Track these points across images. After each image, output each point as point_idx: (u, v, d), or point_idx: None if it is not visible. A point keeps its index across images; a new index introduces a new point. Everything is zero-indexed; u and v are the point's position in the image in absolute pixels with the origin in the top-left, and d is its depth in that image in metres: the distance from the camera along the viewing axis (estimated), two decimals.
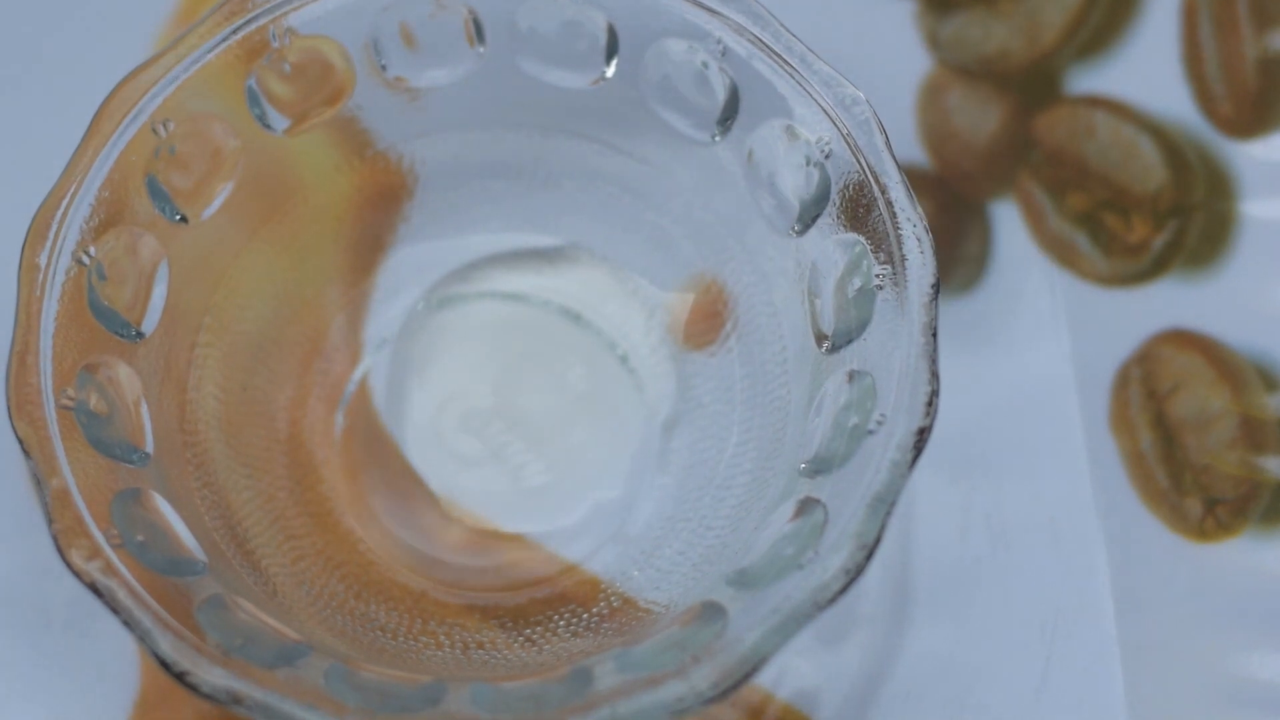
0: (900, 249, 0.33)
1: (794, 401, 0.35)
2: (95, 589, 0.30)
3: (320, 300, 0.38)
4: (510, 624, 0.36)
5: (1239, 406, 0.39)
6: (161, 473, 0.33)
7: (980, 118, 0.42)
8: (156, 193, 0.34)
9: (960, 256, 0.41)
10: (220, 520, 0.35)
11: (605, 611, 0.36)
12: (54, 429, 0.31)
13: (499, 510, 0.37)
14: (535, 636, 0.35)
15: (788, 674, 0.37)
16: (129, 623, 0.30)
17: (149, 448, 0.33)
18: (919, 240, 0.33)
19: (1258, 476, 0.39)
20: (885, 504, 0.31)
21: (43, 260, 0.32)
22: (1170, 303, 0.40)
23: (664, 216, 0.37)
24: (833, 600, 0.31)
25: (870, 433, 0.32)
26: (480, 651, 0.35)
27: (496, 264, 0.39)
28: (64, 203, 0.33)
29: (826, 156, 0.34)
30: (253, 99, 0.35)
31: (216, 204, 0.35)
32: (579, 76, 0.36)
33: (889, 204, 0.33)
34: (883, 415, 0.32)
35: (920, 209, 0.33)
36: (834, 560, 0.31)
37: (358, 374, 0.38)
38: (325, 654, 0.32)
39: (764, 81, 0.34)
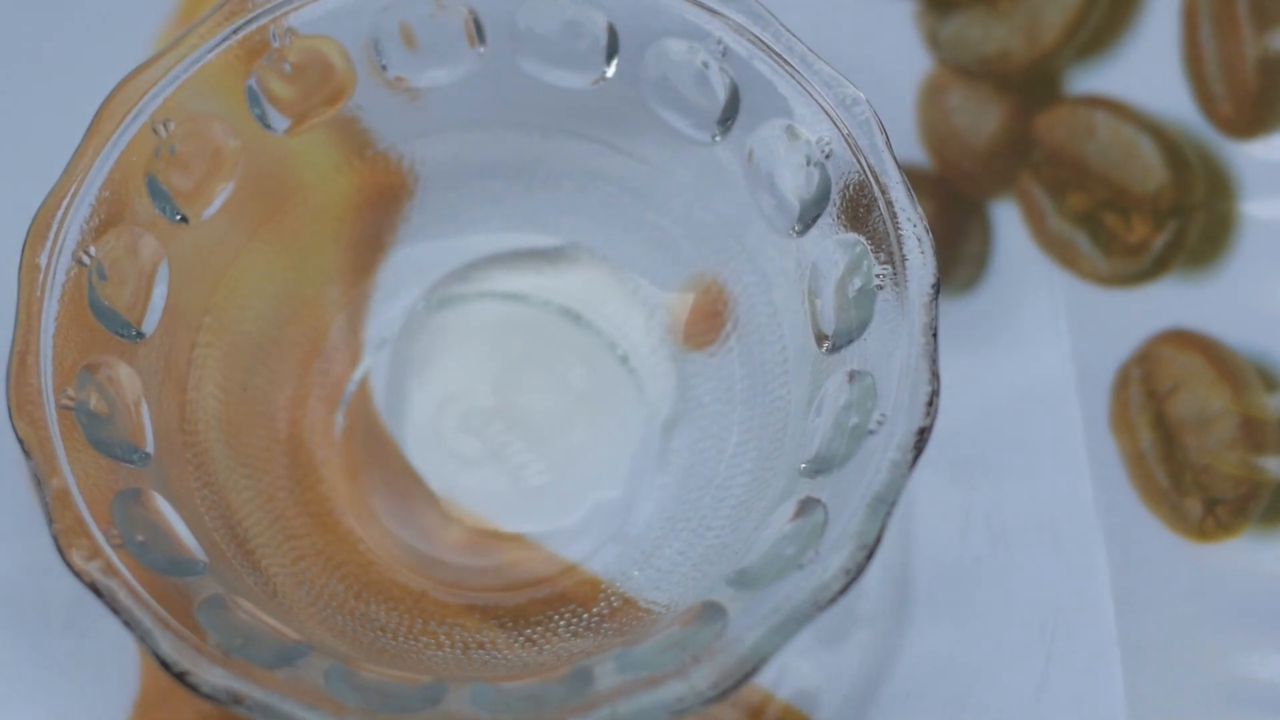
0: (900, 249, 0.33)
1: (794, 401, 0.35)
2: (95, 589, 0.30)
3: (320, 300, 0.38)
4: (510, 624, 0.36)
5: (1239, 406, 0.39)
6: (161, 473, 0.33)
7: (980, 118, 0.42)
8: (157, 193, 0.34)
9: (960, 256, 0.41)
10: (220, 520, 0.35)
11: (605, 611, 0.36)
12: (54, 429, 0.31)
13: (499, 510, 0.37)
14: (535, 636, 0.35)
15: (788, 674, 0.37)
16: (129, 623, 0.30)
17: (149, 448, 0.33)
18: (919, 240, 0.33)
19: (1258, 476, 0.39)
20: (885, 504, 0.31)
21: (43, 260, 0.32)
22: (1170, 303, 0.40)
23: (664, 216, 0.37)
24: (833, 600, 0.31)
25: (870, 433, 0.32)
26: (480, 651, 0.35)
27: (496, 264, 0.39)
28: (64, 203, 0.33)
29: (827, 156, 0.34)
30: (253, 99, 0.35)
31: (217, 204, 0.35)
32: (579, 76, 0.36)
33: (889, 204, 0.33)
34: (883, 415, 0.32)
35: (920, 209, 0.33)
36: (834, 560, 0.31)
37: (358, 374, 0.38)
38: (325, 654, 0.32)
39: (764, 81, 0.34)
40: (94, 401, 0.32)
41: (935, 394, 0.32)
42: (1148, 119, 0.42)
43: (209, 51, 0.34)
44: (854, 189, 0.33)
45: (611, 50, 0.35)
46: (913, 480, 0.33)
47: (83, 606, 0.37)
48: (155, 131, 0.34)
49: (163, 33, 0.42)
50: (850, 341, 0.33)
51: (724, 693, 0.30)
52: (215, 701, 0.30)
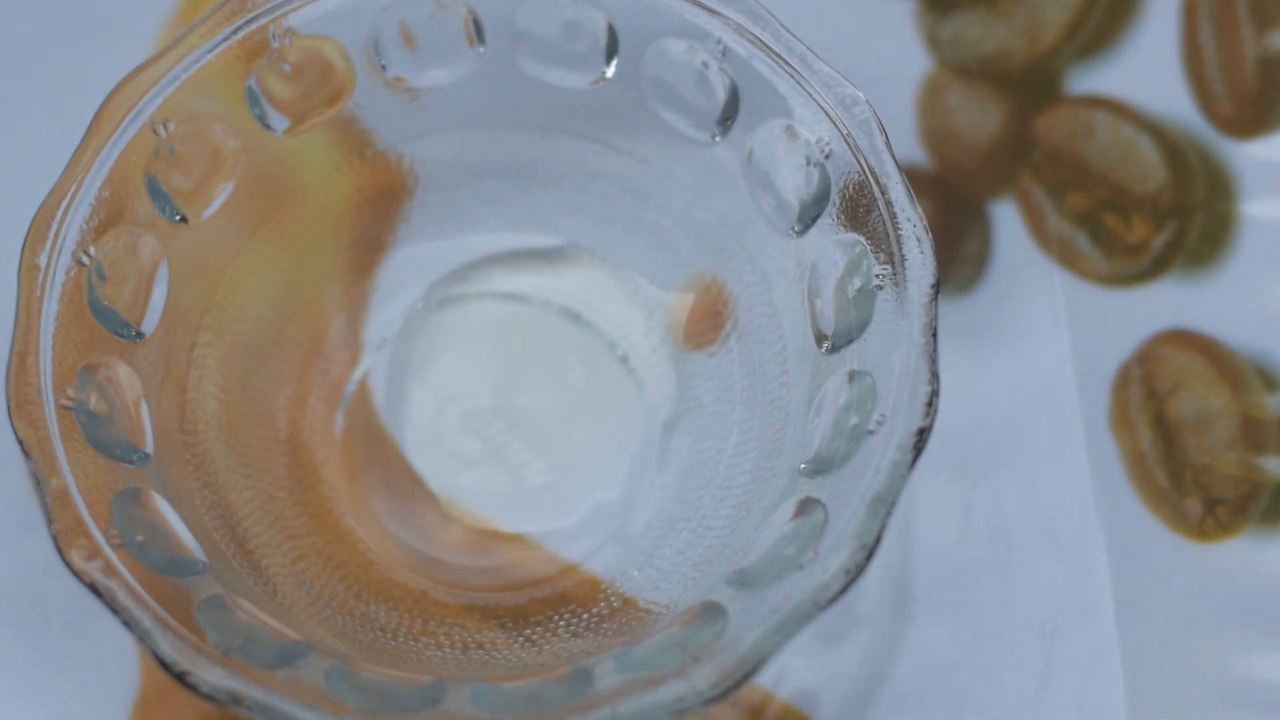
0: (900, 249, 0.33)
1: (794, 401, 0.35)
2: (95, 589, 0.30)
3: (320, 300, 0.38)
4: (510, 624, 0.36)
5: (1239, 406, 0.39)
6: (161, 473, 0.33)
7: (980, 118, 0.42)
8: (156, 193, 0.34)
9: (960, 256, 0.41)
10: (220, 520, 0.35)
11: (605, 611, 0.36)
12: (54, 429, 0.31)
13: (499, 510, 0.37)
14: (535, 636, 0.35)
15: (788, 674, 0.37)
16: (129, 623, 0.30)
17: (149, 448, 0.33)
18: (919, 240, 0.33)
19: (1258, 476, 0.39)
20: (885, 504, 0.31)
21: (43, 260, 0.32)
22: (1170, 303, 0.40)
23: (664, 216, 0.37)
24: (833, 600, 0.31)
25: (870, 433, 0.32)
26: (480, 651, 0.35)
27: (496, 264, 0.39)
28: (64, 203, 0.33)
29: (826, 156, 0.34)
30: (253, 99, 0.35)
31: (216, 204, 0.35)
32: (579, 76, 0.36)
33: (889, 204, 0.33)
34: (883, 415, 0.32)
35: (920, 209, 0.33)
36: (834, 560, 0.31)
37: (358, 374, 0.38)
38: (325, 654, 0.32)
39: (764, 81, 0.34)
40: (94, 401, 0.32)
41: (935, 394, 0.32)
42: (1148, 119, 0.42)
43: (209, 51, 0.34)
44: (853, 189, 0.33)
45: (611, 50, 0.35)
46: (913, 480, 0.33)
47: (82, 606, 0.37)
48: (155, 132, 0.34)
49: (163, 33, 0.42)
50: (850, 341, 0.33)
51: (724, 693, 0.30)
52: (215, 701, 0.30)
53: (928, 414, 0.31)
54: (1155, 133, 0.42)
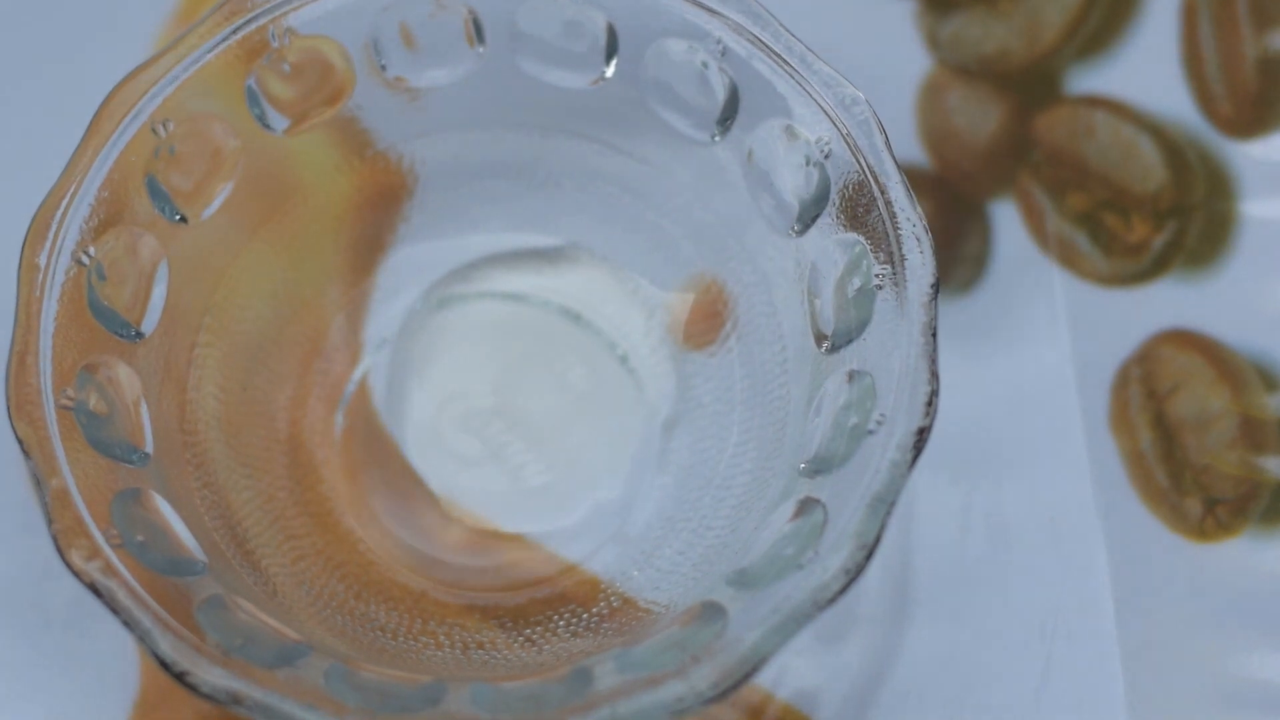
0: (900, 249, 0.33)
1: (794, 401, 0.35)
2: (95, 589, 0.30)
3: (320, 300, 0.38)
4: (510, 624, 0.36)
5: (1239, 406, 0.39)
6: (161, 473, 0.33)
7: (980, 118, 0.42)
8: (156, 193, 0.34)
9: (960, 256, 0.41)
10: (220, 520, 0.35)
11: (605, 611, 0.36)
12: (54, 429, 0.31)
13: (499, 510, 0.37)
14: (535, 636, 0.35)
15: (788, 674, 0.37)
16: (129, 623, 0.30)
17: (149, 448, 0.33)
18: (918, 240, 0.33)
19: (1258, 476, 0.39)
20: (885, 504, 0.31)
21: (42, 260, 0.32)
22: (1170, 303, 0.40)
23: (664, 216, 0.37)
24: (833, 600, 0.31)
25: (870, 433, 0.32)
26: (480, 651, 0.35)
27: (496, 264, 0.39)
28: (64, 203, 0.33)
29: (826, 156, 0.34)
30: (252, 99, 0.35)
31: (216, 204, 0.35)
32: (579, 76, 0.36)
33: (888, 204, 0.33)
34: (882, 415, 0.32)
35: (920, 209, 0.33)
36: (834, 560, 0.31)
37: (357, 374, 0.38)
38: (325, 654, 0.32)
39: (764, 81, 0.34)
40: (93, 401, 0.32)
41: (935, 394, 0.32)
42: (1148, 119, 0.42)
43: (208, 51, 0.34)
44: (853, 189, 0.33)
45: (611, 50, 0.35)
46: (912, 480, 0.33)
47: (82, 606, 0.37)
48: (155, 131, 0.34)
49: (163, 33, 0.42)
50: (850, 341, 0.33)
51: (724, 693, 0.30)
52: (215, 701, 0.30)
53: (927, 414, 0.31)
54: (1155, 133, 0.42)
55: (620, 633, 0.35)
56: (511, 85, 0.36)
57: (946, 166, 0.42)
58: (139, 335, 0.34)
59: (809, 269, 0.34)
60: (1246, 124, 0.42)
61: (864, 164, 0.33)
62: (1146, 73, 0.42)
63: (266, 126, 0.35)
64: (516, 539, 0.37)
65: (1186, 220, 0.41)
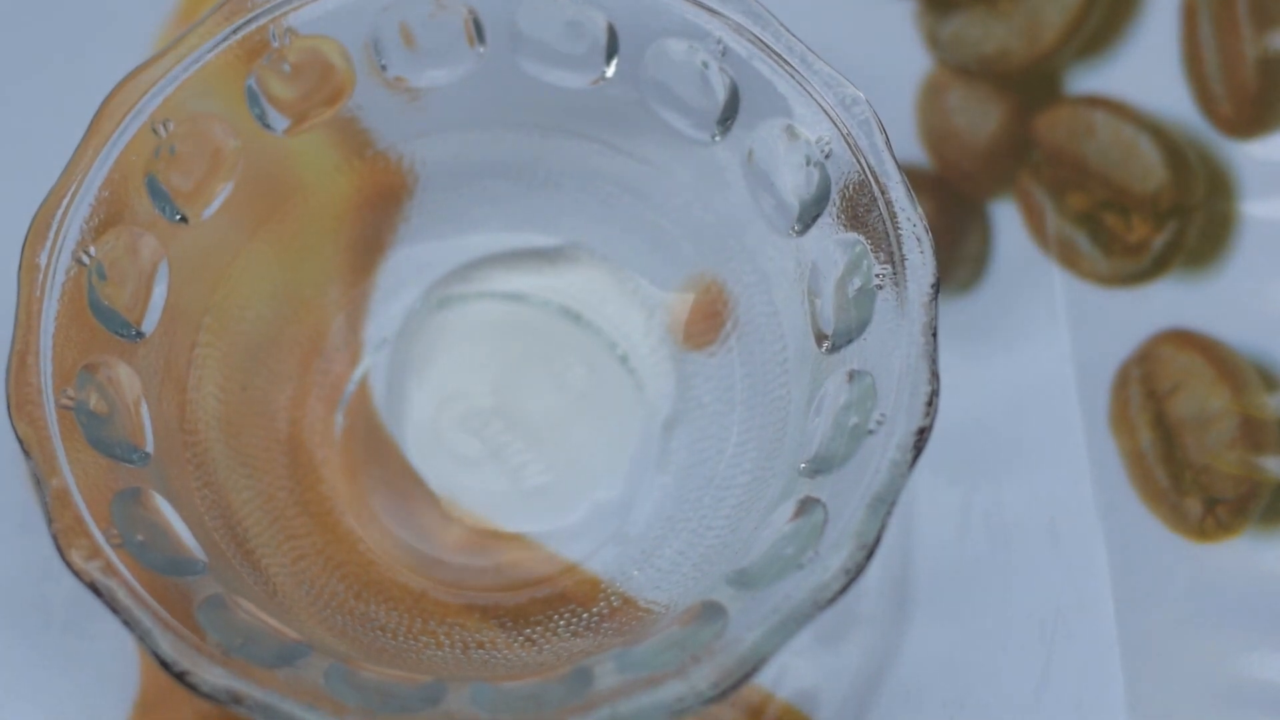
0: (900, 249, 0.33)
1: (794, 401, 0.35)
2: (95, 589, 0.30)
3: (320, 300, 0.38)
4: (510, 624, 0.36)
5: (1239, 406, 0.39)
6: (161, 472, 0.33)
7: (980, 118, 0.42)
8: (156, 193, 0.34)
9: (960, 256, 0.41)
10: (220, 520, 0.35)
11: (605, 611, 0.36)
12: (54, 429, 0.31)
13: (499, 510, 0.37)
14: (535, 636, 0.35)
15: (788, 674, 0.37)
16: (129, 622, 0.30)
17: (149, 447, 0.33)
18: (919, 240, 0.33)
19: (1258, 476, 0.39)
20: (885, 504, 0.31)
21: (43, 260, 0.32)
22: (1170, 303, 0.40)
23: (664, 216, 0.37)
24: (833, 600, 0.31)
25: (870, 432, 0.32)
26: (480, 651, 0.35)
27: (496, 264, 0.39)
28: (64, 202, 0.33)
29: (826, 156, 0.34)
30: (252, 99, 0.35)
31: (216, 204, 0.35)
32: (579, 76, 0.36)
33: (889, 204, 0.33)
34: (883, 415, 0.32)
35: (920, 209, 0.33)
36: (834, 560, 0.31)
37: (357, 374, 0.38)
38: (325, 654, 0.32)
39: (764, 81, 0.34)
40: (94, 401, 0.32)
41: (935, 394, 0.32)
42: (1148, 119, 0.42)
43: (209, 51, 0.34)
44: (853, 189, 0.33)
45: (611, 50, 0.35)
46: (912, 480, 0.33)
47: (83, 606, 0.37)
48: (155, 131, 0.34)
49: (163, 33, 0.42)
50: (850, 341, 0.33)
51: (724, 693, 0.30)
52: (215, 701, 0.30)
53: (928, 414, 0.31)
54: (1155, 133, 0.42)
55: (620, 632, 0.35)
56: (511, 85, 0.36)
57: (946, 166, 0.42)
58: (139, 335, 0.34)
59: (809, 269, 0.34)
60: (1246, 124, 0.42)
61: (864, 164, 0.33)
62: (1146, 73, 0.42)
63: (267, 126, 0.35)
64: (516, 539, 0.37)
65: (1186, 220, 0.41)
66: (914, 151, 0.42)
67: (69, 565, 0.31)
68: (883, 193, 0.33)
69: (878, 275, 0.33)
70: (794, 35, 0.34)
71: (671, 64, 0.35)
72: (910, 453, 0.31)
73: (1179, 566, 0.38)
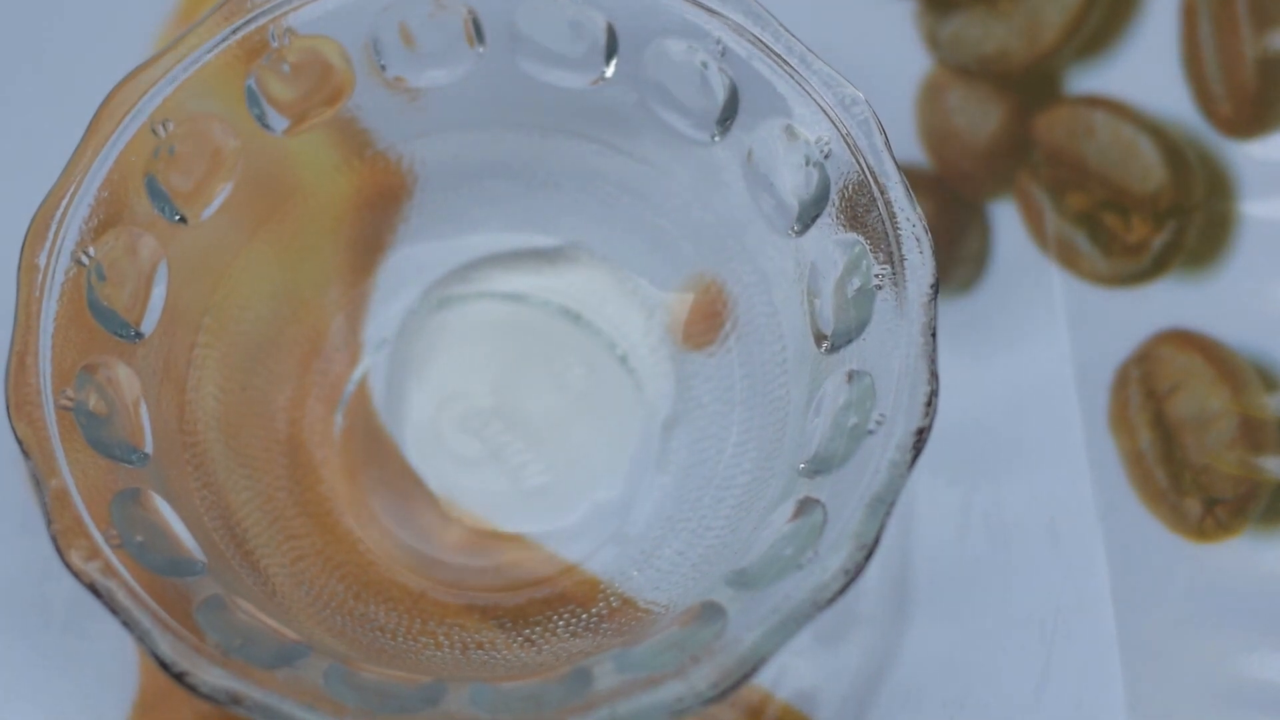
0: (899, 249, 0.33)
1: (793, 401, 0.35)
2: (94, 589, 0.30)
3: (319, 300, 0.38)
4: (510, 624, 0.36)
5: (1238, 406, 0.39)
6: (161, 473, 0.33)
7: (980, 118, 0.42)
8: (156, 193, 0.34)
9: (959, 256, 0.41)
10: (219, 520, 0.35)
11: (605, 612, 0.36)
12: (53, 429, 0.31)
13: (498, 510, 0.37)
14: (535, 637, 0.35)
15: (787, 674, 0.37)
16: (128, 623, 0.30)
17: (148, 448, 0.33)
18: (918, 240, 0.33)
19: (1257, 476, 0.39)
20: (884, 504, 0.31)
21: (42, 260, 0.32)
22: (1170, 303, 0.40)
23: (663, 217, 0.37)
24: (832, 600, 0.31)
25: (869, 433, 0.32)
26: (480, 652, 0.35)
27: (496, 264, 0.39)
28: (63, 203, 0.33)
29: (826, 156, 0.34)
30: (252, 99, 0.35)
31: (216, 204, 0.35)
32: (578, 77, 0.36)
33: (888, 204, 0.33)
34: (882, 415, 0.32)
35: (919, 209, 0.33)
36: (833, 560, 0.31)
37: (357, 374, 0.38)
38: (324, 654, 0.32)
39: (763, 81, 0.34)
40: (93, 402, 0.32)
41: (934, 394, 0.32)
42: (1147, 119, 0.42)
43: (208, 52, 0.34)
44: (853, 189, 0.33)
45: (610, 50, 0.35)
46: (912, 480, 0.33)
47: (82, 607, 0.37)
48: (154, 132, 0.34)
49: (162, 33, 0.42)
50: (849, 341, 0.33)
51: (723, 693, 0.30)
52: (214, 702, 0.30)
53: (927, 414, 0.31)
54: (1155, 133, 0.42)
55: (620, 633, 0.35)
56: (511, 85, 0.36)
57: (946, 166, 0.42)
58: (138, 335, 0.34)
59: (808, 269, 0.34)
60: (1246, 124, 0.42)
61: (864, 164, 0.33)
62: (1146, 73, 0.42)
63: (266, 127, 0.35)
64: (516, 539, 0.37)
65: (1186, 220, 0.41)
66: (913, 151, 0.42)
67: (68, 566, 0.31)
68: (882, 193, 0.33)
69: (877, 275, 0.33)
70: (793, 35, 0.34)
71: (671, 64, 0.35)
72: (909, 453, 0.31)
73: (1178, 567, 0.38)
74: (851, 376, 0.33)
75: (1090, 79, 0.42)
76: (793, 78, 0.34)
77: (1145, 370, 0.40)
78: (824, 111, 0.34)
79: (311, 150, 0.36)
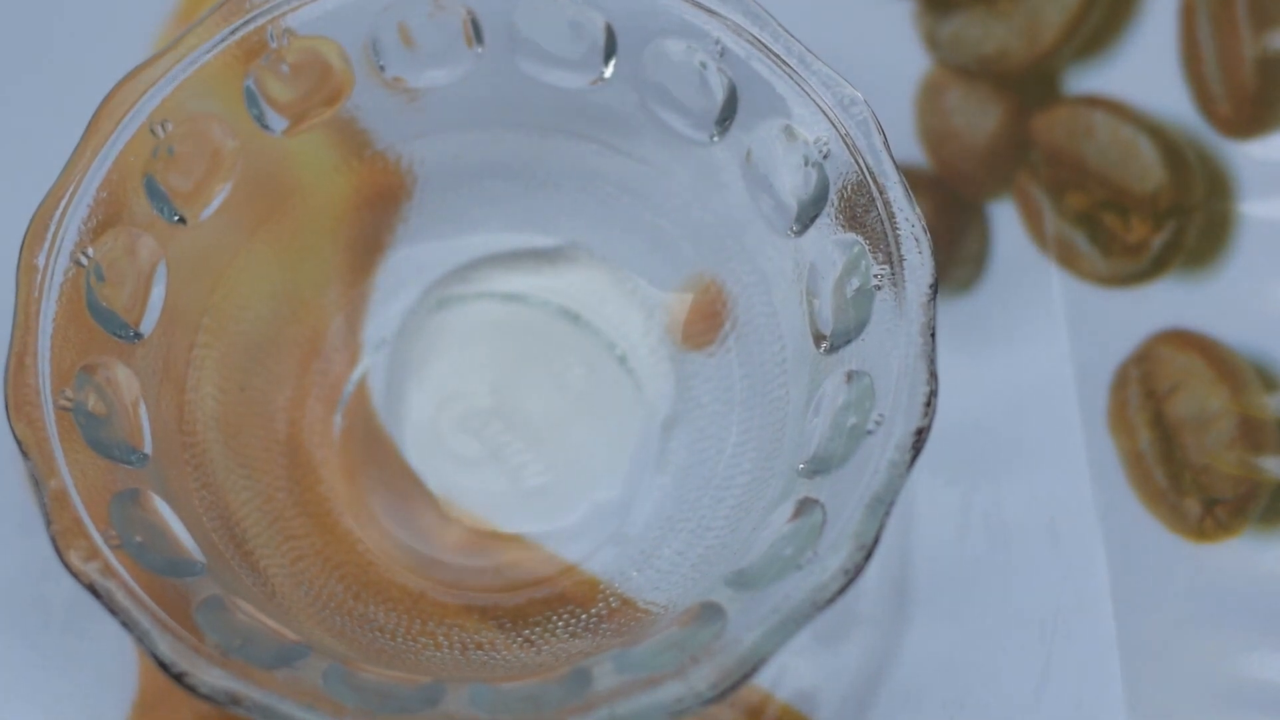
0: (898, 249, 0.33)
1: (793, 402, 0.35)
2: (94, 590, 0.30)
3: (319, 301, 0.38)
4: (509, 624, 0.36)
5: (1238, 406, 0.39)
6: (160, 473, 0.33)
7: (979, 118, 0.42)
8: (155, 193, 0.34)
9: (959, 256, 0.41)
10: (219, 521, 0.35)
11: (604, 612, 0.36)
12: (52, 430, 0.31)
13: (498, 510, 0.37)
14: (534, 637, 0.35)
15: (787, 674, 0.37)
16: (127, 623, 0.30)
17: (147, 448, 0.33)
18: (917, 240, 0.33)
19: (1257, 476, 0.39)
20: (884, 504, 0.31)
21: (41, 261, 0.32)
22: (1169, 303, 0.40)
23: (663, 217, 0.37)
24: (831, 600, 0.31)
25: (869, 433, 0.32)
26: (479, 652, 0.35)
27: (495, 264, 0.39)
28: (62, 203, 0.33)
29: (825, 157, 0.34)
30: (251, 99, 0.35)
31: (215, 204, 0.35)
32: (578, 77, 0.36)
33: (887, 204, 0.33)
34: (881, 415, 0.32)
35: (918, 209, 0.33)
36: (833, 560, 0.31)
37: (356, 374, 0.38)
38: (324, 655, 0.32)
39: (762, 82, 0.34)
40: (92, 402, 0.32)
41: (933, 394, 0.32)
42: (1146, 119, 0.42)
43: (207, 52, 0.34)
44: (852, 189, 0.33)
45: (610, 50, 0.35)
46: (911, 480, 0.33)
47: (81, 607, 0.37)
48: (153, 132, 0.34)
49: (162, 33, 0.42)
50: (848, 342, 0.33)
51: (723, 693, 0.30)
52: (214, 702, 0.30)
53: (926, 414, 0.31)
54: (1154, 133, 0.42)
55: (619, 633, 0.35)
56: (510, 85, 0.36)
57: (945, 166, 0.42)
58: (137, 336, 0.34)
59: (808, 269, 0.34)
60: (1245, 124, 0.42)
61: (863, 164, 0.33)
62: (1145, 73, 0.42)
63: (265, 127, 0.35)
64: (515, 539, 0.37)
65: (1185, 220, 0.41)
66: (913, 152, 0.42)
67: (67, 566, 0.31)
68: (881, 193, 0.33)
69: (876, 275, 0.33)
70: (792, 35, 0.34)
71: (670, 64, 0.35)
72: (909, 453, 0.31)
73: (1178, 567, 0.38)
74: (851, 377, 0.33)
75: (1089, 79, 0.42)
76: (792, 78, 0.34)
77: (1145, 370, 0.40)
78: (823, 112, 0.34)
79: (311, 150, 0.36)
